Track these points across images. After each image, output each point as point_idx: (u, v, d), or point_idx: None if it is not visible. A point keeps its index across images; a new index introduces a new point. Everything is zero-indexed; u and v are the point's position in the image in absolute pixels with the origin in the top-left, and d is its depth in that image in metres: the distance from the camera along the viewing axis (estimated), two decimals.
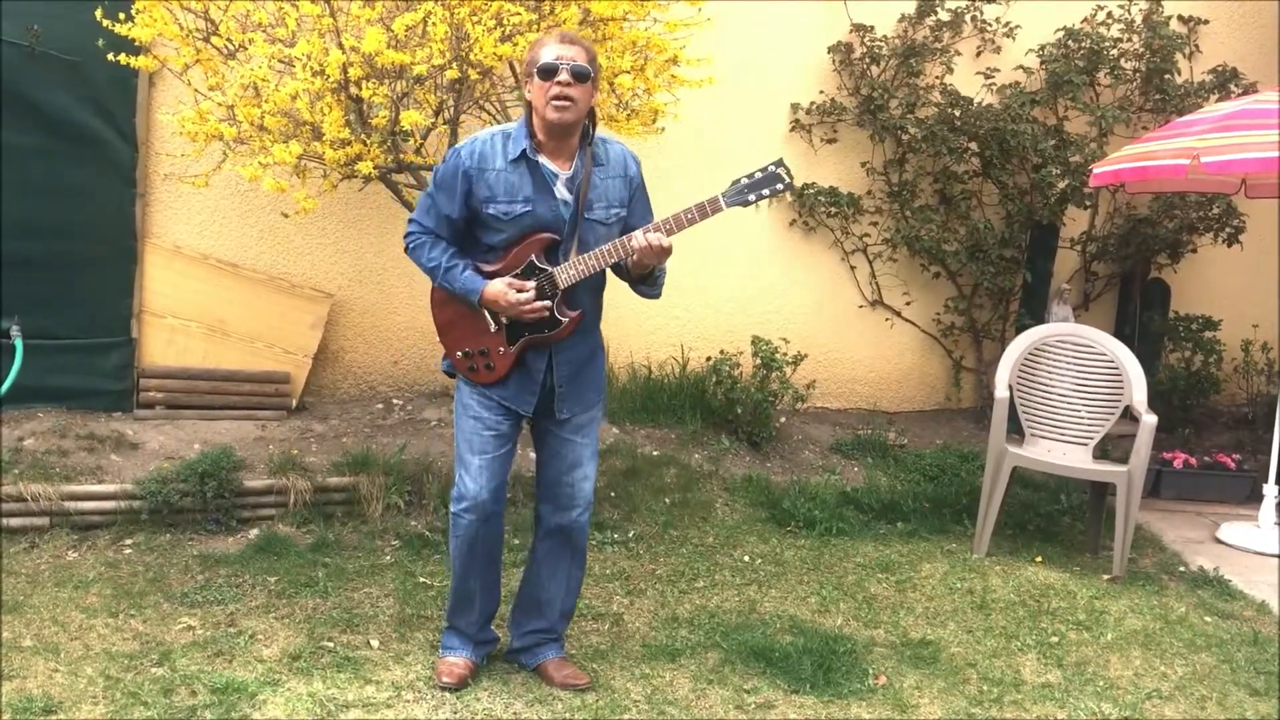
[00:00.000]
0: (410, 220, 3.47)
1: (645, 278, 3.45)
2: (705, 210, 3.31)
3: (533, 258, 3.33)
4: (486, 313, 3.39)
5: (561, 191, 3.33)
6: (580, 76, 3.23)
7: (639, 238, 3.28)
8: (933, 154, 6.54)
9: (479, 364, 3.44)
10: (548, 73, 3.22)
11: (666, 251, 3.30)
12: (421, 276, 3.58)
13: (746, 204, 3.39)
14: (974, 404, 6.95)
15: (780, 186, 3.37)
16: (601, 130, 4.84)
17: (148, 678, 3.49)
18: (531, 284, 3.32)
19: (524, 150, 3.30)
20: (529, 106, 3.33)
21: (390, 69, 4.40)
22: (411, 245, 3.44)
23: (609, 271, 3.51)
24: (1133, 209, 7.01)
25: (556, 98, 3.22)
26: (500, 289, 3.31)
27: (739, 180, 3.38)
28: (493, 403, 3.46)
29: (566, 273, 3.33)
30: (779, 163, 3.39)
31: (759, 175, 3.37)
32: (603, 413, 3.65)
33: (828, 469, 5.88)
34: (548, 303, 3.33)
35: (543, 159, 3.33)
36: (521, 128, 3.35)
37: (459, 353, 3.47)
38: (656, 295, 3.55)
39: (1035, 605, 4.53)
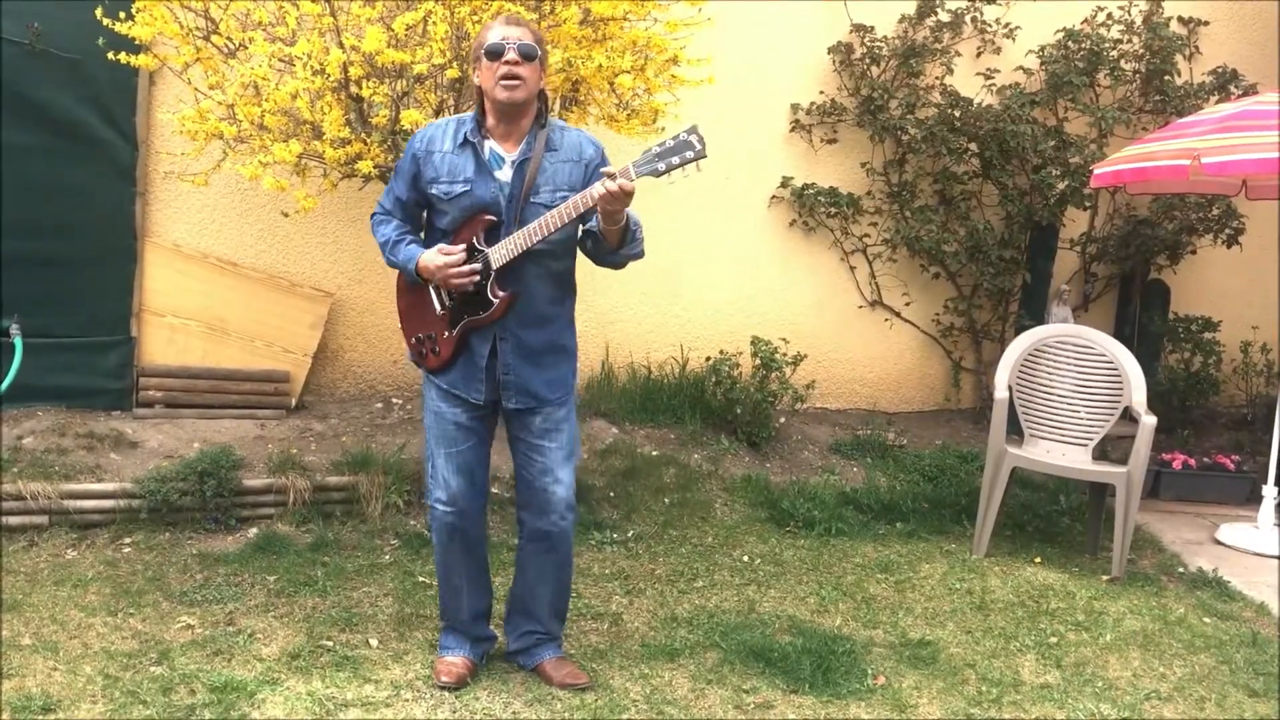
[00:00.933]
0: (378, 203, 3.55)
1: (621, 239, 3.35)
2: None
3: (473, 239, 3.35)
4: (434, 295, 3.42)
5: (505, 173, 3.34)
6: (527, 55, 3.25)
7: (596, 187, 3.19)
8: (932, 154, 6.54)
9: (427, 349, 3.48)
10: (494, 54, 3.25)
11: (629, 195, 3.18)
12: None
13: (657, 174, 3.24)
14: (973, 404, 6.95)
15: (691, 155, 3.23)
16: (601, 129, 4.88)
17: (147, 676, 3.49)
18: (461, 248, 3.31)
19: (465, 134, 3.35)
20: (480, 92, 3.35)
21: (390, 68, 4.40)
22: (372, 226, 3.54)
23: (597, 265, 3.51)
24: (1132, 210, 7.01)
25: (505, 77, 3.24)
26: (431, 255, 3.34)
27: (650, 149, 3.27)
28: (449, 394, 3.48)
29: (499, 252, 3.32)
30: (692, 129, 3.26)
31: (670, 143, 3.26)
32: (572, 416, 3.57)
33: (827, 469, 5.88)
34: (475, 266, 3.31)
35: (490, 143, 3.35)
36: (473, 115, 3.39)
37: (412, 339, 3.52)
38: (639, 252, 3.44)
39: (1034, 606, 4.53)
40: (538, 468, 3.51)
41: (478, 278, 3.33)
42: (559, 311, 3.51)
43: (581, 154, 3.41)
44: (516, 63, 3.23)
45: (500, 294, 3.35)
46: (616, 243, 3.36)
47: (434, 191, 3.37)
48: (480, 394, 3.45)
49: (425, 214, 3.50)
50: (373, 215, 3.54)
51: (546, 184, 3.35)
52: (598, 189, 3.19)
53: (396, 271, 3.53)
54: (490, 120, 3.36)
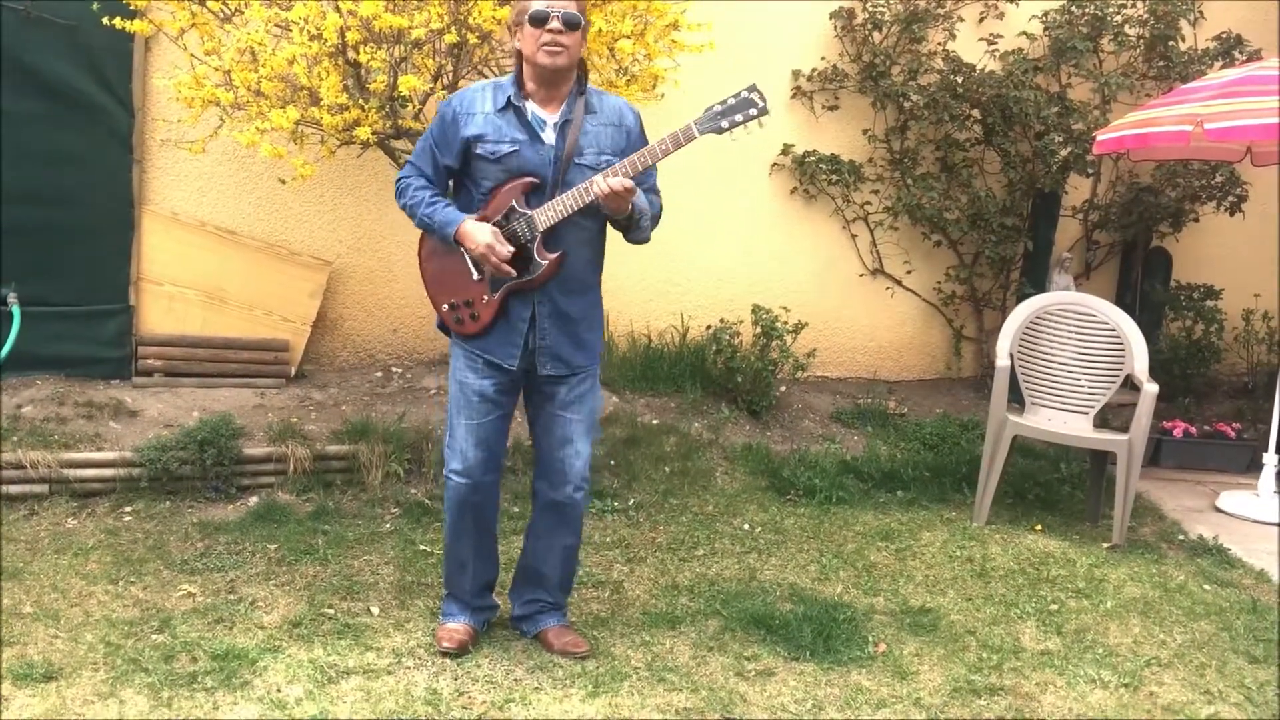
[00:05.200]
0: (405, 164, 3.49)
1: (629, 224, 3.41)
2: (679, 139, 3.29)
3: (513, 203, 3.33)
4: (469, 260, 3.39)
5: (549, 136, 3.34)
6: (571, 24, 3.25)
7: (599, 183, 3.24)
8: (935, 121, 6.49)
9: (464, 315, 3.43)
10: (539, 20, 3.24)
11: (630, 192, 3.26)
12: None
13: (720, 130, 3.32)
14: (975, 373, 6.94)
15: (754, 112, 3.31)
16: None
17: (148, 644, 3.49)
18: (509, 249, 3.29)
19: (509, 97, 3.33)
20: (518, 57, 3.34)
21: (388, 33, 4.36)
22: (399, 188, 3.46)
23: (610, 229, 3.49)
24: (1135, 177, 6.97)
25: (548, 44, 3.24)
26: (473, 228, 3.29)
27: (712, 107, 3.34)
28: (478, 365, 3.44)
29: (545, 214, 3.31)
30: (752, 88, 3.33)
31: (732, 101, 3.32)
32: (596, 389, 3.59)
33: (828, 438, 5.87)
34: (510, 262, 3.30)
35: (531, 105, 3.35)
36: (511, 79, 3.37)
37: (444, 305, 3.47)
38: (645, 239, 3.49)
39: (1035, 573, 4.54)
40: (557, 439, 3.51)
41: (515, 274, 3.31)
42: (595, 280, 3.52)
43: (622, 119, 3.43)
44: (560, 31, 3.23)
45: (549, 255, 3.34)
46: (623, 227, 3.42)
47: (479, 150, 3.33)
48: (515, 360, 3.41)
49: (456, 179, 3.44)
50: (401, 176, 3.47)
51: (590, 146, 3.36)
52: (598, 185, 3.23)
53: (416, 237, 3.51)
54: (530, 85, 3.35)
